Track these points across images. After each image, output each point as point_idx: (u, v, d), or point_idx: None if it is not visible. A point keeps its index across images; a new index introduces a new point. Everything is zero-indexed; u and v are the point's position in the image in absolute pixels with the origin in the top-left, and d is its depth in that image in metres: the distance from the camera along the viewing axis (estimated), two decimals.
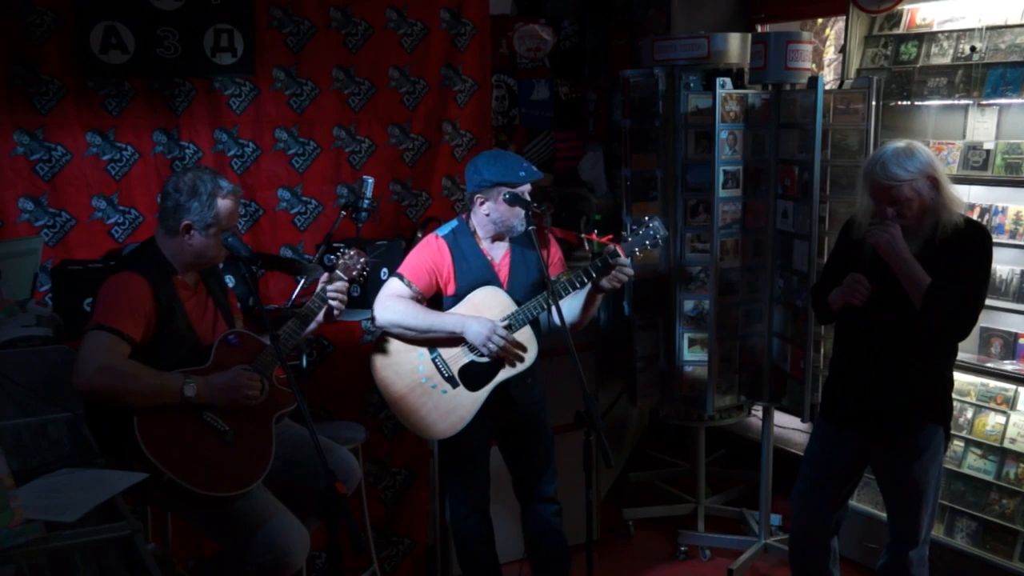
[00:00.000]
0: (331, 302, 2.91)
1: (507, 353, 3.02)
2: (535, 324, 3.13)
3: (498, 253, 3.17)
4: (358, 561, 3.48)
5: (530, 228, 2.98)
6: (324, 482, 2.23)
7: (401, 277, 3.10)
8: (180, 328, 2.71)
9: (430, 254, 3.12)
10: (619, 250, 3.01)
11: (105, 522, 2.00)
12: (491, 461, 3.30)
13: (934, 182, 2.71)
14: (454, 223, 3.19)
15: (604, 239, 3.07)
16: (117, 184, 3.83)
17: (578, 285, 3.03)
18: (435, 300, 3.15)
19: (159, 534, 3.13)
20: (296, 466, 2.86)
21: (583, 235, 3.85)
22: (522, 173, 3.05)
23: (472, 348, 3.06)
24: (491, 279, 3.12)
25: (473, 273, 3.11)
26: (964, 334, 2.84)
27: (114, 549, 1.94)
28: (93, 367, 2.48)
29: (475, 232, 3.15)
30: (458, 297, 3.10)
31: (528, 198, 3.04)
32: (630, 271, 3.01)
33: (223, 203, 2.70)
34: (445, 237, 3.14)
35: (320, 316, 2.92)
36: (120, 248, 3.65)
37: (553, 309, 2.91)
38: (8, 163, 3.64)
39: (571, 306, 3.13)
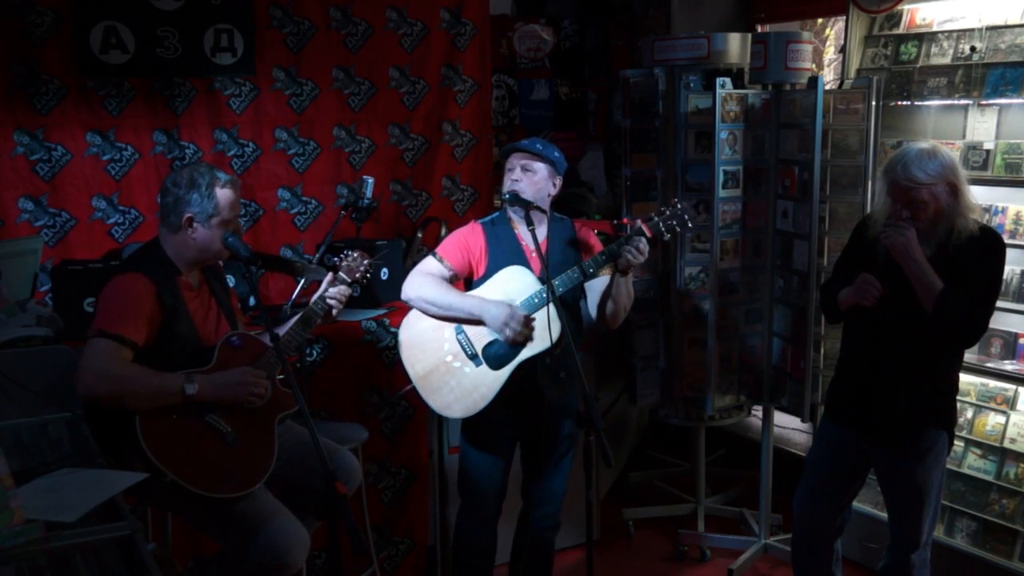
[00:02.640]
0: (329, 302, 2.92)
1: (526, 337, 2.99)
2: (575, 313, 3.17)
3: (533, 242, 3.10)
4: (358, 561, 3.48)
5: (530, 228, 2.99)
6: (324, 481, 2.23)
7: (434, 254, 3.15)
8: (183, 329, 2.70)
9: (464, 234, 3.17)
10: (644, 228, 3.01)
11: (105, 522, 2.00)
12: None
13: (953, 188, 2.69)
14: (496, 214, 3.24)
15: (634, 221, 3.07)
16: (117, 184, 3.83)
17: (602, 263, 3.01)
18: (466, 283, 3.18)
19: (159, 534, 3.13)
20: (296, 466, 2.86)
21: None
22: (509, 146, 3.16)
23: None
24: (522, 264, 3.11)
25: (505, 256, 3.11)
26: (973, 341, 2.83)
27: (114, 549, 1.93)
28: (94, 375, 2.48)
29: (511, 219, 3.17)
30: (486, 279, 3.12)
31: (523, 198, 3.05)
32: (643, 246, 2.98)
33: (222, 192, 2.71)
34: (483, 223, 3.20)
35: (320, 318, 2.93)
36: (120, 248, 3.65)
37: (561, 289, 2.96)
38: (8, 163, 3.65)
39: (595, 290, 3.15)
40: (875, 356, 2.86)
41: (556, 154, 3.14)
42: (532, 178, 3.09)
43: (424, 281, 3.09)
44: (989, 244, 2.74)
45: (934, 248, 2.71)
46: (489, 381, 3.05)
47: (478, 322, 3.05)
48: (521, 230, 3.14)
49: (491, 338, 3.06)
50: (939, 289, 2.67)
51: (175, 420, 2.58)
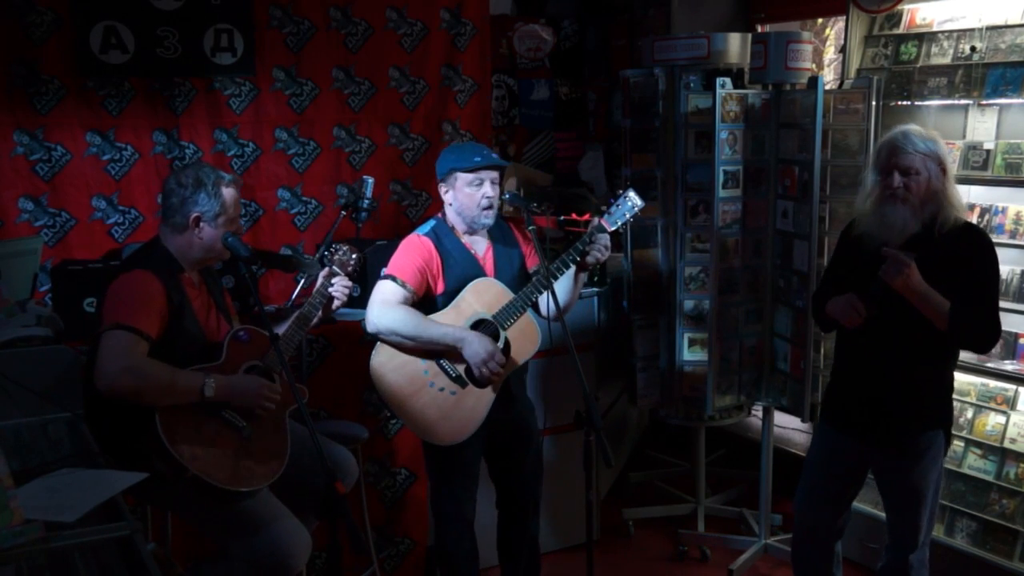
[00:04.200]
0: (334, 295, 2.96)
1: (500, 377, 2.99)
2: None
3: (480, 247, 3.14)
4: (358, 561, 3.48)
5: (531, 228, 2.99)
6: (324, 481, 2.23)
7: (394, 279, 3.01)
8: (190, 326, 2.72)
9: (417, 252, 3.05)
10: (603, 224, 3.05)
11: (105, 522, 2.00)
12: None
13: (944, 171, 2.74)
14: (432, 222, 3.14)
15: (584, 216, 3.09)
16: (117, 184, 3.83)
17: (570, 263, 3.03)
18: (425, 299, 3.07)
19: (159, 534, 3.13)
20: (295, 464, 2.86)
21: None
22: (477, 158, 3.03)
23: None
24: (478, 273, 3.08)
25: (460, 268, 3.06)
26: (991, 348, 2.86)
27: (114, 549, 1.94)
28: (116, 368, 2.47)
29: (454, 228, 3.12)
30: (448, 295, 3.04)
31: (521, 196, 3.06)
32: (608, 243, 3.04)
33: (228, 192, 2.73)
34: (428, 235, 3.08)
35: (319, 312, 2.96)
36: (120, 248, 3.65)
37: (554, 288, 2.92)
38: (8, 163, 3.65)
39: (560, 288, 3.09)
40: (869, 361, 2.86)
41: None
42: (497, 189, 3.09)
43: (395, 315, 2.96)
44: (980, 247, 2.75)
45: (919, 229, 2.74)
46: (477, 401, 3.03)
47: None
48: (467, 239, 3.12)
49: None
50: (947, 308, 2.67)
51: (194, 417, 2.60)
